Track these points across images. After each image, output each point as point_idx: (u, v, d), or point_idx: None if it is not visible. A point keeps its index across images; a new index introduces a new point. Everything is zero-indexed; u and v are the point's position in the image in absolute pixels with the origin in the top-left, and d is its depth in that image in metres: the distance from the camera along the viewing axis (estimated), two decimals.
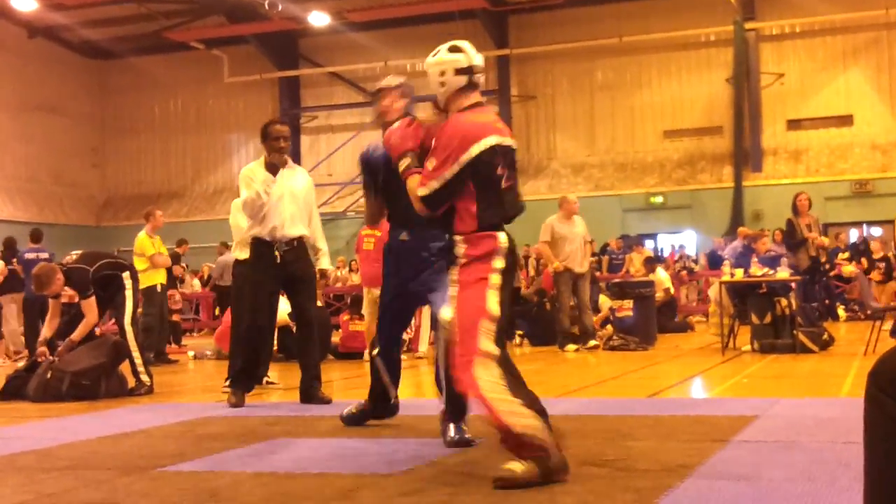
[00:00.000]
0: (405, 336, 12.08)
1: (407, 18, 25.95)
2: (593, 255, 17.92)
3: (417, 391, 9.12)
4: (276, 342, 12.16)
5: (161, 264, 12.79)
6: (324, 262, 7.71)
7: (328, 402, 7.16)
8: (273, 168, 7.24)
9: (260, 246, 7.21)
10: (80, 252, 9.06)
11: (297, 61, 28.75)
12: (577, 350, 12.07)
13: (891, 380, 1.93)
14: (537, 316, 13.96)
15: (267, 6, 24.41)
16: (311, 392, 7.27)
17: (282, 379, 9.48)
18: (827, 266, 14.26)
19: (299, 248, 7.28)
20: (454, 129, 4.45)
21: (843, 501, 3.49)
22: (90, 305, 8.55)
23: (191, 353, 13.97)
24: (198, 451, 5.15)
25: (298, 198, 7.28)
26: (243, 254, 7.73)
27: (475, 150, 4.34)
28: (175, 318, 16.27)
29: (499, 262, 4.33)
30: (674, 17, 24.81)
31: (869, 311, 10.53)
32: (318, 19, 25.55)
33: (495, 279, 4.29)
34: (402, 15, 25.78)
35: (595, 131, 25.99)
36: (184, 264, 17.53)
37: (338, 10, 25.66)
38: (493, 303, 4.23)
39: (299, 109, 28.79)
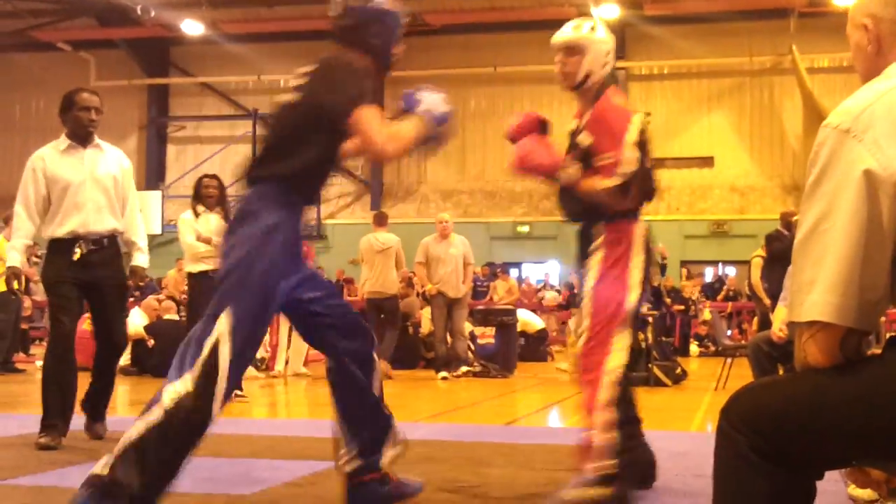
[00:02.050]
0: (264, 354, 11.95)
1: (282, 33, 25.74)
2: None
3: (272, 411, 9.00)
4: (130, 355, 11.96)
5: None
6: (138, 259, 6.20)
7: (99, 437, 5.96)
8: (76, 145, 6.03)
9: (55, 246, 5.89)
10: None
11: (168, 69, 28.23)
12: (444, 378, 11.50)
13: (742, 417, 1.95)
14: (400, 339, 13.92)
15: (139, 11, 23.92)
16: (95, 419, 6.10)
17: (132, 393, 9.23)
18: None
19: (109, 247, 5.95)
20: (615, 111, 4.25)
21: None
22: None
23: (39, 363, 13.50)
24: (39, 465, 4.97)
25: (105, 184, 5.96)
26: (196, 266, 7.46)
27: (636, 126, 4.16)
28: (24, 325, 15.68)
29: (639, 251, 4.22)
30: (548, 51, 24.91)
31: (720, 347, 10.82)
32: (192, 28, 25.15)
33: (636, 273, 4.16)
34: (278, 30, 25.57)
35: (466, 158, 26.20)
36: (34, 266, 16.90)
37: (212, 20, 25.30)
38: (634, 298, 4.10)
39: (167, 118, 28.25)
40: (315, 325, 3.90)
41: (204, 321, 3.45)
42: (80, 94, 6.18)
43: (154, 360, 11.21)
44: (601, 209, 4.23)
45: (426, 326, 13.53)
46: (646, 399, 9.38)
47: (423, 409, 8.32)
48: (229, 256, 3.53)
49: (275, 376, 11.53)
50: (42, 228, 5.91)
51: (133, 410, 7.86)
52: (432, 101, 3.83)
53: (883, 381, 1.83)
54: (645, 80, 25.83)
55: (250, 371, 10.62)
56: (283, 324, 11.59)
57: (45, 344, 19.01)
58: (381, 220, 12.41)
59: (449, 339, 11.90)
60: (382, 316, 11.95)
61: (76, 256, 5.77)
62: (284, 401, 9.77)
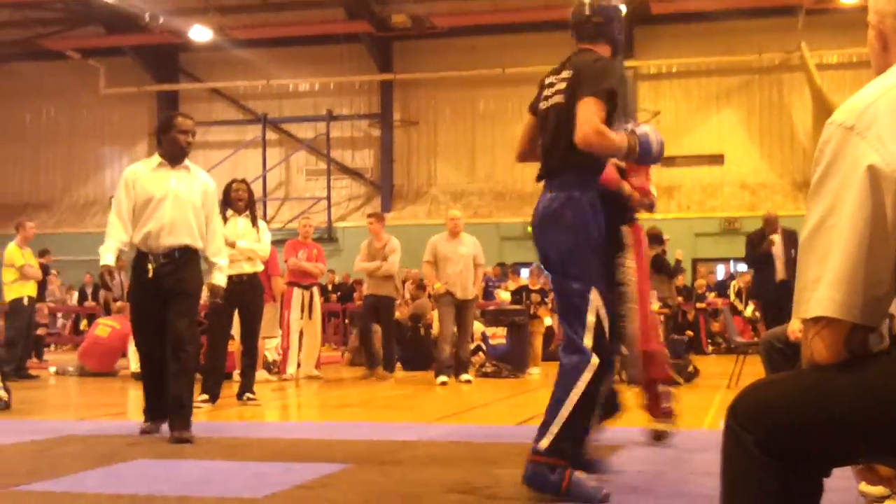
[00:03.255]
0: (276, 357, 11.97)
1: (291, 38, 25.80)
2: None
3: (284, 414, 9.02)
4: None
5: (31, 276, 12.40)
6: (216, 278, 6.75)
7: (188, 442, 6.11)
8: (166, 164, 6.54)
9: (137, 258, 6.49)
10: None
11: (177, 75, 28.29)
12: (443, 384, 11.00)
13: (749, 414, 1.95)
14: (412, 341, 13.94)
15: (147, 18, 23.97)
16: (173, 424, 6.29)
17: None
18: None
19: (181, 260, 6.44)
20: None
21: None
22: None
23: (52, 369, 13.56)
24: (54, 471, 4.98)
25: (185, 202, 6.47)
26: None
27: None
28: (40, 332, 15.76)
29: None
30: (555, 51, 24.90)
31: (732, 345, 10.80)
32: (200, 34, 25.18)
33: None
34: (287, 35, 25.63)
35: (476, 159, 26.21)
36: (53, 272, 16.99)
37: (220, 25, 25.34)
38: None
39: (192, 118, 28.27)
40: None
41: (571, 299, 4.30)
42: (178, 117, 6.67)
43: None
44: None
45: (437, 328, 13.52)
46: None
47: (434, 411, 8.32)
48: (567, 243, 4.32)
49: (286, 379, 11.54)
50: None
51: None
52: (651, 132, 4.57)
53: (889, 376, 1.82)
54: (654, 79, 25.80)
55: (262, 374, 10.65)
56: (295, 326, 11.62)
57: (58, 350, 19.03)
58: (379, 221, 12.50)
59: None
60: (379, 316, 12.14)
61: (150, 274, 6.37)
62: (296, 403, 9.78)
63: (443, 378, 11.11)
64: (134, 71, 27.27)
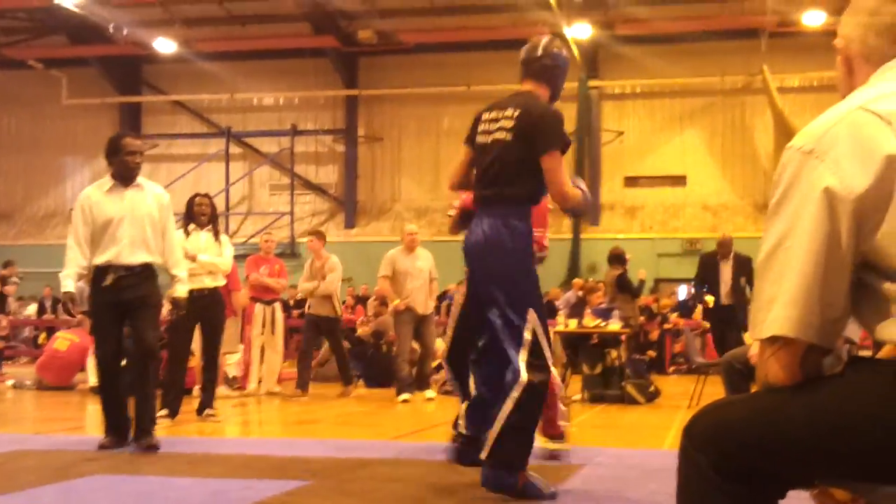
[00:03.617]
0: (236, 373, 11.90)
1: (256, 52, 25.75)
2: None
3: (245, 430, 8.97)
4: None
5: None
6: (178, 290, 6.93)
7: (155, 449, 6.37)
8: (119, 185, 6.64)
9: (96, 275, 6.62)
10: None
11: (140, 87, 28.15)
12: (405, 401, 10.86)
13: (704, 436, 1.96)
14: (373, 358, 13.89)
15: (112, 29, 23.83)
16: (139, 433, 6.49)
17: None
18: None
19: (141, 274, 6.60)
20: None
21: None
22: None
23: (10, 382, 13.40)
24: (10, 486, 4.92)
25: (141, 220, 6.62)
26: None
27: None
28: None
29: None
30: (519, 70, 25.28)
31: (693, 366, 10.87)
32: (165, 46, 25.08)
33: None
34: (252, 48, 25.58)
35: (440, 176, 26.19)
36: (12, 284, 16.78)
37: (185, 38, 25.24)
38: None
39: (140, 136, 28.13)
40: None
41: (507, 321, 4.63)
42: (125, 139, 6.75)
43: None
44: None
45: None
46: (619, 417, 9.45)
47: (395, 428, 8.31)
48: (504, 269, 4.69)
49: (248, 395, 11.47)
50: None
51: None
52: (584, 186, 4.97)
53: (843, 399, 1.83)
54: (618, 98, 25.98)
55: (222, 390, 10.58)
56: (256, 342, 11.56)
57: (17, 363, 18.83)
58: (320, 239, 12.18)
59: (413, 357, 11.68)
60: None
61: (108, 282, 6.51)
62: (257, 420, 9.73)
63: (405, 396, 10.98)
64: (97, 82, 27.11)
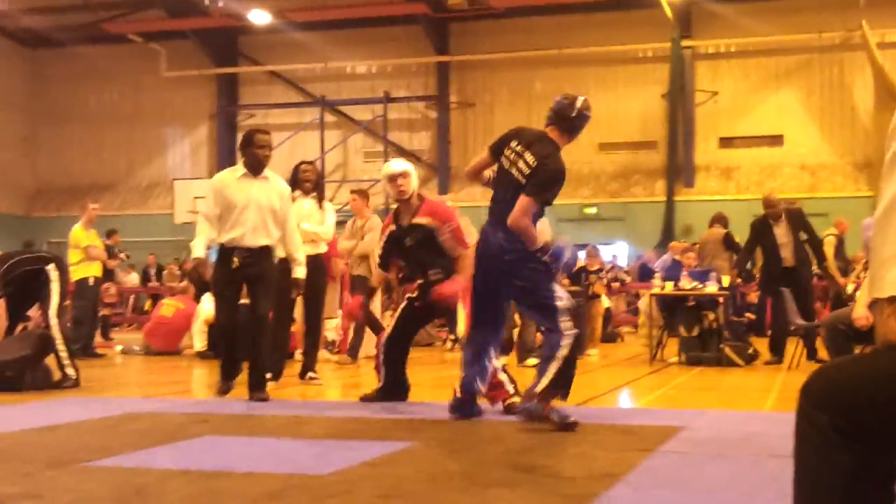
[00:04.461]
0: (335, 337, 12.07)
1: (349, 20, 25.89)
2: None
3: (345, 393, 9.10)
4: (206, 340, 12.18)
5: (96, 257, 12.58)
6: (297, 272, 7.80)
7: (266, 400, 7.29)
8: (249, 175, 7.54)
9: (221, 253, 7.53)
10: None
11: (237, 58, 28.52)
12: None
13: (822, 395, 1.95)
14: None
15: (207, 2, 24.19)
16: (253, 388, 7.39)
17: (209, 376, 9.40)
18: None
19: (260, 255, 7.47)
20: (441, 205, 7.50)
21: None
22: None
23: (118, 348, 13.81)
24: (123, 447, 5.10)
25: (265, 208, 7.49)
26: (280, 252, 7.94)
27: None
28: (106, 311, 16.04)
29: None
30: (613, 31, 25.05)
31: (793, 327, 10.73)
32: (259, 17, 25.39)
33: None
34: (344, 17, 25.72)
35: None
36: (122, 255, 17.24)
37: (279, 9, 25.51)
38: None
39: (236, 107, 28.56)
40: None
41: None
42: (257, 135, 7.73)
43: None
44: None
45: None
46: (717, 379, 9.40)
47: None
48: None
49: (340, 362, 11.61)
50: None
51: (211, 393, 8.05)
52: (568, 247, 6.05)
53: None
54: (712, 58, 25.54)
55: (322, 354, 10.74)
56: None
57: (122, 330, 19.27)
58: (363, 198, 11.86)
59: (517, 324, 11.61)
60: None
61: (234, 265, 7.41)
62: (357, 383, 9.88)
63: (531, 361, 10.69)
64: (194, 54, 27.54)
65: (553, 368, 5.76)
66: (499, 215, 5.94)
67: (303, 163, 9.48)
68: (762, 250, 11.58)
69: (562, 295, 5.96)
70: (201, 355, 12.11)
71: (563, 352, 5.77)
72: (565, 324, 5.81)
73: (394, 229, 7.08)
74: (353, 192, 12.24)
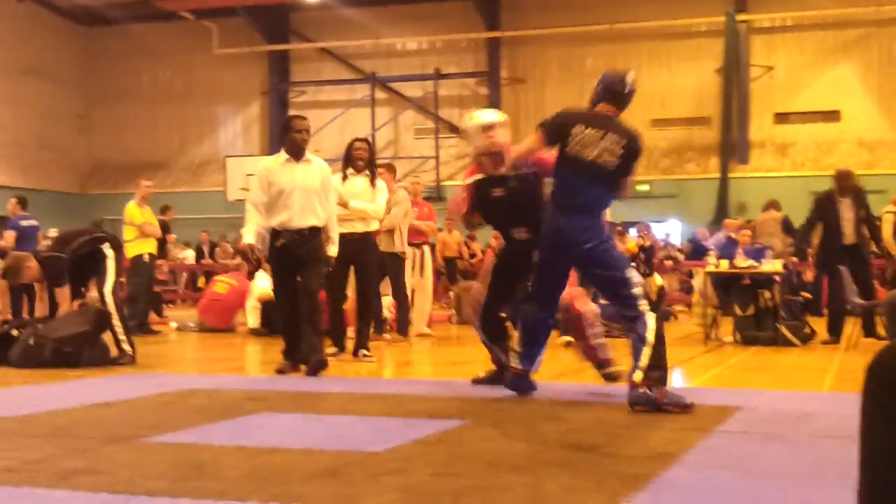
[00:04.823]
0: (388, 315, 12.08)
1: None
2: None
3: (398, 371, 9.13)
4: (260, 317, 12.25)
5: (150, 233, 12.67)
6: (330, 250, 7.94)
7: (324, 364, 7.67)
8: (291, 160, 7.80)
9: (273, 236, 7.87)
10: (54, 235, 9.07)
11: (287, 35, 28.60)
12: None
13: (888, 375, 1.92)
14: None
15: None
16: (308, 359, 7.67)
17: (263, 353, 9.46)
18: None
19: (309, 236, 7.74)
20: None
21: (830, 497, 3.51)
22: (63, 294, 8.66)
23: (173, 325, 13.94)
24: (180, 423, 5.14)
25: (310, 191, 7.74)
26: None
27: None
28: (158, 289, 16.18)
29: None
30: (666, 6, 24.80)
31: (850, 307, 10.57)
32: None
33: None
34: None
35: None
36: (173, 235, 17.40)
37: None
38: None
39: (288, 84, 28.67)
40: None
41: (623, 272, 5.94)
42: (294, 120, 8.08)
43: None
44: None
45: None
46: (773, 359, 9.30)
47: (551, 369, 8.34)
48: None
49: (391, 340, 11.63)
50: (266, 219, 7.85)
51: (265, 370, 8.11)
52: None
53: None
54: (767, 32, 25.20)
55: (374, 332, 10.74)
56: (407, 285, 11.68)
57: (175, 306, 19.46)
58: (389, 171, 11.32)
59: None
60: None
61: (280, 244, 7.74)
62: (410, 360, 9.91)
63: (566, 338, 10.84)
64: (246, 31, 27.66)
65: (647, 353, 5.66)
66: (574, 201, 5.90)
67: (356, 140, 9.45)
68: (823, 227, 11.32)
69: (637, 280, 5.94)
70: (255, 332, 12.20)
71: (650, 336, 5.70)
72: (644, 307, 5.78)
73: (482, 177, 6.60)
74: (379, 165, 11.91)
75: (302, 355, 7.79)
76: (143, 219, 12.59)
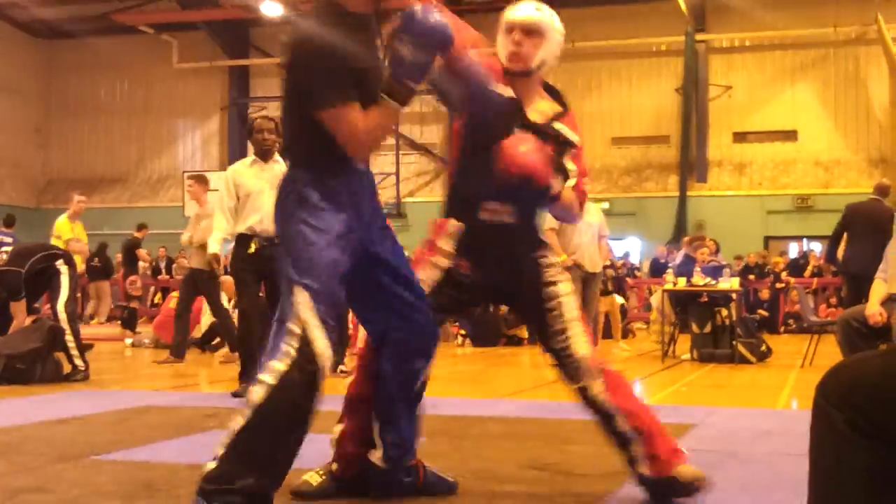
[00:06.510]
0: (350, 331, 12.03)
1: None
2: None
3: None
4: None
5: (77, 251, 12.19)
6: None
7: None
8: (259, 161, 7.65)
9: (240, 242, 7.56)
10: (10, 250, 9.00)
11: (248, 50, 28.52)
12: None
13: (839, 393, 1.93)
14: (480, 317, 13.95)
15: None
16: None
17: (219, 370, 9.38)
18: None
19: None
20: None
21: None
22: (20, 308, 8.59)
23: (128, 341, 13.81)
24: (133, 441, 5.08)
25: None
26: None
27: None
28: (133, 304, 16.08)
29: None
30: (627, 25, 24.99)
31: (806, 324, 10.66)
32: (271, 9, 25.35)
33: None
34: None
35: None
36: (147, 250, 17.27)
37: (291, 0, 25.48)
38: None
39: (248, 99, 28.57)
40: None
41: None
42: (256, 120, 7.85)
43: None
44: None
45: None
46: (730, 376, 9.35)
47: (505, 386, 8.35)
48: None
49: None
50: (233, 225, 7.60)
51: (221, 387, 8.03)
52: None
53: None
54: (726, 52, 25.46)
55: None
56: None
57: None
58: (200, 184, 11.34)
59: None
60: None
61: (251, 250, 7.39)
62: None
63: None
64: (206, 45, 27.56)
65: None
66: None
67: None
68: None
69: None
70: (197, 343, 12.10)
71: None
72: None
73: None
74: (189, 177, 11.50)
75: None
76: (73, 234, 12.34)
